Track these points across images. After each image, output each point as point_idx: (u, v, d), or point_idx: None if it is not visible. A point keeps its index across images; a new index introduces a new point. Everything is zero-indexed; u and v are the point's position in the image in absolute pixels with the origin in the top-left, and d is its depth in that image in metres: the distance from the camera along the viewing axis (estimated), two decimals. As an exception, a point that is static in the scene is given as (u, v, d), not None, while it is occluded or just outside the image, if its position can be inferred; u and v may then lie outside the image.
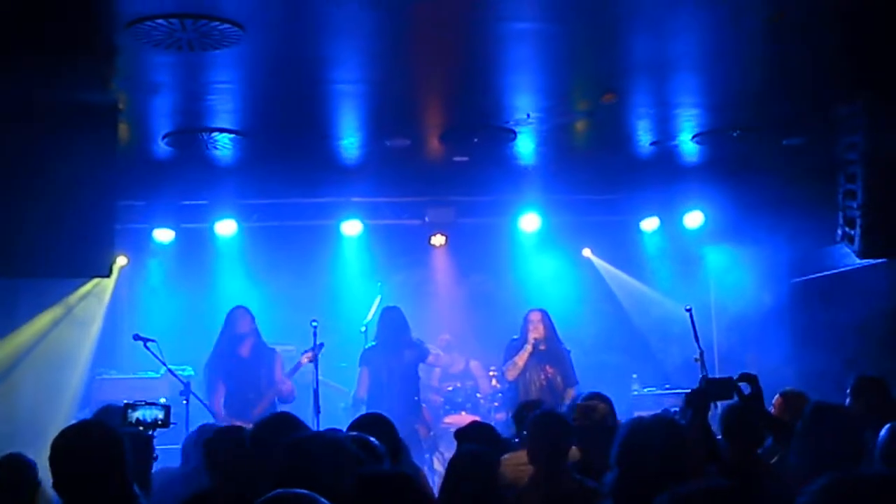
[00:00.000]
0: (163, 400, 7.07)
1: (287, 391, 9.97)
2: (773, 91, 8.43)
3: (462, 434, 5.90)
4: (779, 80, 8.12)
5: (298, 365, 9.99)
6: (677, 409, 6.58)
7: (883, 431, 5.34)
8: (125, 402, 6.63)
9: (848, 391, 6.80)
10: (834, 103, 8.33)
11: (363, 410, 9.58)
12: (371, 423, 5.36)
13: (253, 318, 10.12)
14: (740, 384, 6.09)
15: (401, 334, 10.27)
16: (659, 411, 7.06)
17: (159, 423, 6.44)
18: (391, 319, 10.34)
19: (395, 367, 10.09)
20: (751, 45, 7.32)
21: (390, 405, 9.45)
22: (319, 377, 9.70)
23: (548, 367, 10.09)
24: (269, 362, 10.04)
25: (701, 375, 8.44)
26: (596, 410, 6.41)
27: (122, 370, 11.13)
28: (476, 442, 5.55)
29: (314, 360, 9.79)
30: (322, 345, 9.89)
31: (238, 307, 10.22)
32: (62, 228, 7.52)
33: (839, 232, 8.54)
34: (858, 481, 2.75)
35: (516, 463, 5.94)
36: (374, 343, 10.34)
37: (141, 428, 6.28)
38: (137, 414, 6.44)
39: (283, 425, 4.86)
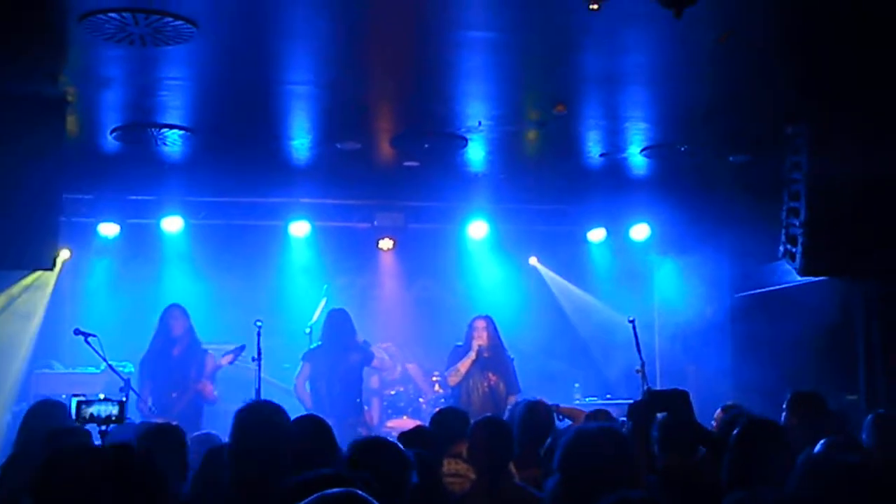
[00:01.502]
0: (101, 395, 7.02)
1: (206, 392, 9.88)
2: (720, 108, 8.55)
3: (406, 438, 5.91)
4: (726, 98, 8.24)
5: (217, 367, 9.96)
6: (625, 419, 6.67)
7: (818, 447, 5.42)
8: (78, 397, 6.59)
9: (784, 406, 6.89)
10: (780, 123, 8.46)
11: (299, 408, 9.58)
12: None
13: (188, 317, 10.04)
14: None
15: (346, 336, 10.26)
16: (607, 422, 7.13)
17: (113, 418, 6.41)
18: (337, 321, 10.32)
19: (338, 369, 10.06)
20: (700, 63, 7.42)
21: (332, 406, 9.45)
22: (263, 375, 9.65)
23: (491, 375, 10.12)
24: (199, 362, 9.95)
25: (645, 388, 8.53)
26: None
27: (63, 364, 11.00)
28: (419, 446, 5.57)
29: (235, 358, 9.89)
30: (243, 347, 9.88)
31: (173, 306, 10.11)
32: (5, 219, 7.45)
33: (781, 248, 8.67)
34: (769, 500, 2.84)
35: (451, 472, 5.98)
36: (319, 343, 10.32)
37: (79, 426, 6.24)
38: (91, 409, 6.40)
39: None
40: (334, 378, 10.01)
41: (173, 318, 10.02)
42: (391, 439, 4.48)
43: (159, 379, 9.80)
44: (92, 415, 6.38)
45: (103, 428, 6.30)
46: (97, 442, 6.21)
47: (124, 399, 8.87)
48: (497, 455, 5.65)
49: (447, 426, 6.44)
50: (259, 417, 4.63)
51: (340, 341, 10.20)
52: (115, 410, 6.43)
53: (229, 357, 9.94)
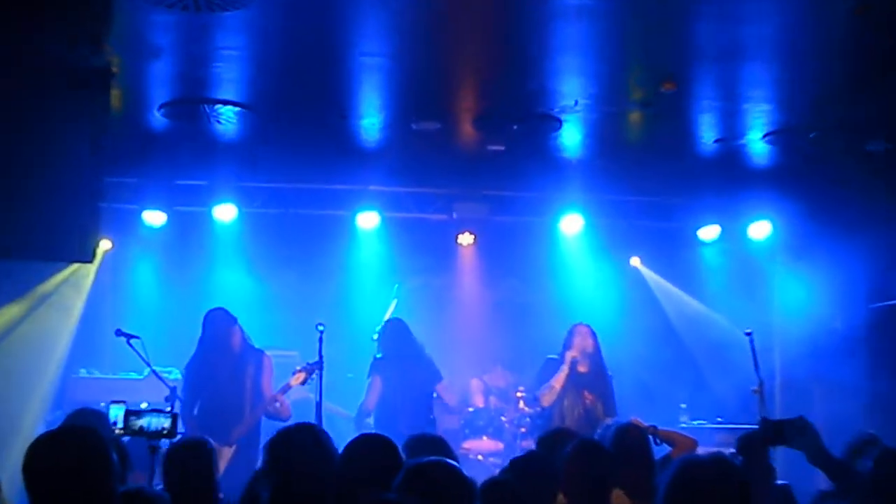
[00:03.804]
0: (144, 405, 7.14)
1: (281, 411, 9.68)
2: (855, 89, 8.43)
3: (517, 465, 5.91)
4: (863, 77, 8.13)
5: (286, 387, 9.74)
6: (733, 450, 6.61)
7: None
8: (119, 404, 6.70)
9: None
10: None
11: (369, 426, 9.63)
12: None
13: (236, 321, 9.86)
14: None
15: (412, 347, 10.31)
16: (712, 450, 7.06)
17: (165, 432, 6.50)
18: (398, 333, 10.37)
19: (408, 382, 10.12)
20: (832, 36, 7.34)
21: (403, 422, 9.50)
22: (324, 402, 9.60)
23: (587, 394, 9.97)
24: (255, 372, 9.77)
25: (762, 413, 8.45)
26: None
27: (102, 369, 11.21)
28: (533, 474, 5.58)
29: (309, 378, 9.60)
30: (320, 362, 9.55)
31: (218, 309, 9.92)
32: (42, 206, 7.57)
33: (926, 253, 8.52)
34: None
35: None
36: (381, 356, 10.35)
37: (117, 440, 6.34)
38: (142, 422, 6.51)
39: None
40: (406, 392, 10.06)
41: (218, 321, 9.79)
42: (450, 462, 4.46)
43: (207, 395, 9.62)
44: (142, 427, 6.48)
45: (154, 443, 6.41)
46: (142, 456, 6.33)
47: (169, 408, 9.02)
48: (595, 484, 5.62)
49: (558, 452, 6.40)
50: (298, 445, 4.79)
51: (407, 353, 10.25)
52: (167, 423, 6.52)
53: (301, 376, 9.64)
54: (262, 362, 9.88)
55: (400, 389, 10.07)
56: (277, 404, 9.71)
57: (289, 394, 9.83)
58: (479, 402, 11.72)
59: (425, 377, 10.27)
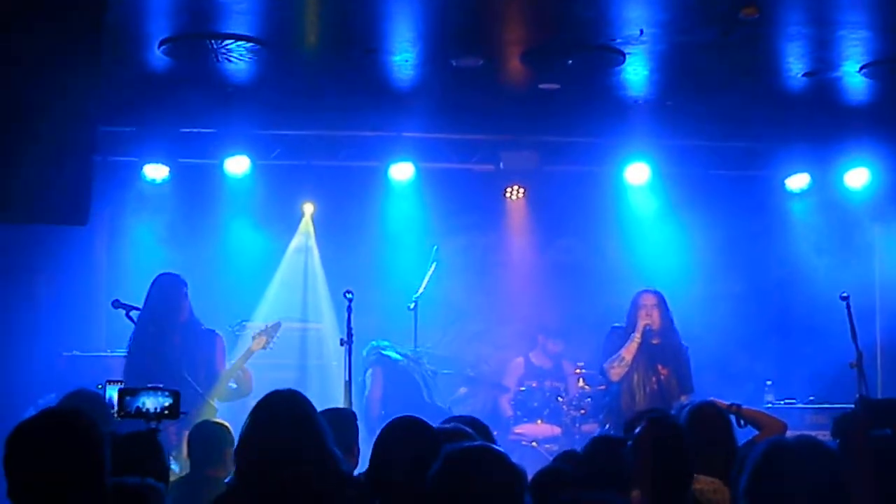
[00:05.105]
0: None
1: (243, 382, 9.69)
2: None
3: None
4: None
5: (247, 354, 9.74)
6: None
7: None
8: (121, 385, 6.73)
9: None
10: None
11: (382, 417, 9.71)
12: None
13: (185, 289, 9.71)
14: None
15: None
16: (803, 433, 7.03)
17: (166, 412, 6.54)
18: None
19: (416, 371, 10.31)
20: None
21: (420, 402, 9.70)
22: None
23: (661, 367, 9.97)
24: (207, 350, 9.68)
25: (859, 392, 8.40)
26: None
27: (98, 346, 11.27)
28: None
29: (271, 342, 9.78)
30: (279, 324, 9.82)
31: (165, 276, 9.78)
32: (25, 161, 7.58)
33: None
34: None
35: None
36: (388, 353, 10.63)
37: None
38: (139, 402, 6.54)
39: None
40: (416, 379, 10.25)
41: (165, 290, 9.66)
42: (495, 448, 4.46)
43: (152, 374, 8.76)
44: (139, 408, 6.51)
45: (153, 425, 6.44)
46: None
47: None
48: (668, 469, 5.58)
49: None
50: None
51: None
52: (167, 402, 6.56)
53: (262, 340, 9.80)
54: (215, 343, 9.79)
55: (410, 375, 10.25)
56: (240, 373, 9.69)
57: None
58: (510, 383, 11.75)
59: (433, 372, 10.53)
